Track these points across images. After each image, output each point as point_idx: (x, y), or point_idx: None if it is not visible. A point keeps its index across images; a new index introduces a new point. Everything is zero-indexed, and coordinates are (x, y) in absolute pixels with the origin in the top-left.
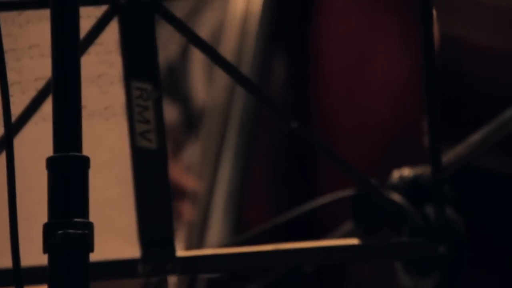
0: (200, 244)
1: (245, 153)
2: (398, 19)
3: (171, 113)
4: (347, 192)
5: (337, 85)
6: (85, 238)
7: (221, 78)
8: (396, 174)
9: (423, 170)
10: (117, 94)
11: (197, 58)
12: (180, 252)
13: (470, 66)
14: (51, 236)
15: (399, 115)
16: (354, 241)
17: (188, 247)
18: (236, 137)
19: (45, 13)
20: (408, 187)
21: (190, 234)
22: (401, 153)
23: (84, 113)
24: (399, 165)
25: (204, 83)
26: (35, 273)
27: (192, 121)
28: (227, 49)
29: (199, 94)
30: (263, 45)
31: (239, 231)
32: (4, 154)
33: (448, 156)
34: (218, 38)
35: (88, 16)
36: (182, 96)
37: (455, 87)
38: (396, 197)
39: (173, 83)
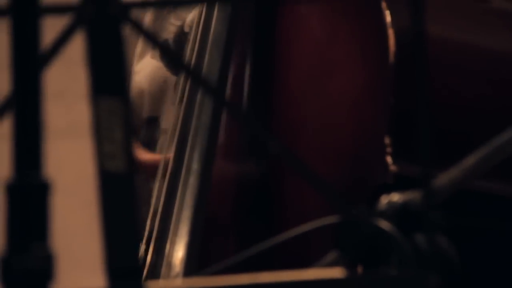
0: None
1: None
2: (357, 27)
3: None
4: (330, 219)
5: (299, 97)
6: (46, 269)
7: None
8: (384, 200)
9: (413, 195)
10: (83, 112)
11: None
12: (150, 284)
13: (466, 78)
14: (8, 269)
15: (358, 130)
16: (338, 272)
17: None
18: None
19: (3, 23)
20: (397, 213)
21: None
22: (363, 170)
23: (46, 132)
24: (362, 183)
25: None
26: None
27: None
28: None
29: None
30: (223, 54)
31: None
32: None
33: (440, 181)
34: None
35: (51, 27)
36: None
37: (446, 105)
38: (384, 224)
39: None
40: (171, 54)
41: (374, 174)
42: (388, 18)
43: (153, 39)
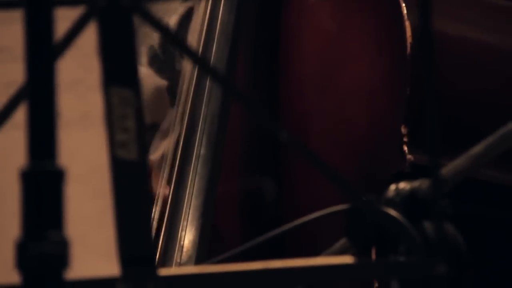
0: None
1: (213, 159)
2: (372, 19)
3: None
4: (340, 207)
5: (309, 89)
6: (61, 255)
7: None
8: (392, 188)
9: (421, 183)
10: (95, 102)
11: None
12: (163, 271)
13: (471, 71)
14: (24, 255)
15: (374, 121)
16: (347, 259)
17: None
18: (204, 143)
19: (17, 15)
20: (405, 201)
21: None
22: (380, 159)
23: (60, 121)
24: (375, 173)
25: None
26: None
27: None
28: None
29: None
30: (229, 47)
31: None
32: None
33: (448, 169)
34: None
35: (64, 18)
36: (171, 71)
37: (454, 96)
38: (392, 212)
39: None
40: (181, 44)
41: (391, 163)
42: (405, 10)
43: (163, 29)
